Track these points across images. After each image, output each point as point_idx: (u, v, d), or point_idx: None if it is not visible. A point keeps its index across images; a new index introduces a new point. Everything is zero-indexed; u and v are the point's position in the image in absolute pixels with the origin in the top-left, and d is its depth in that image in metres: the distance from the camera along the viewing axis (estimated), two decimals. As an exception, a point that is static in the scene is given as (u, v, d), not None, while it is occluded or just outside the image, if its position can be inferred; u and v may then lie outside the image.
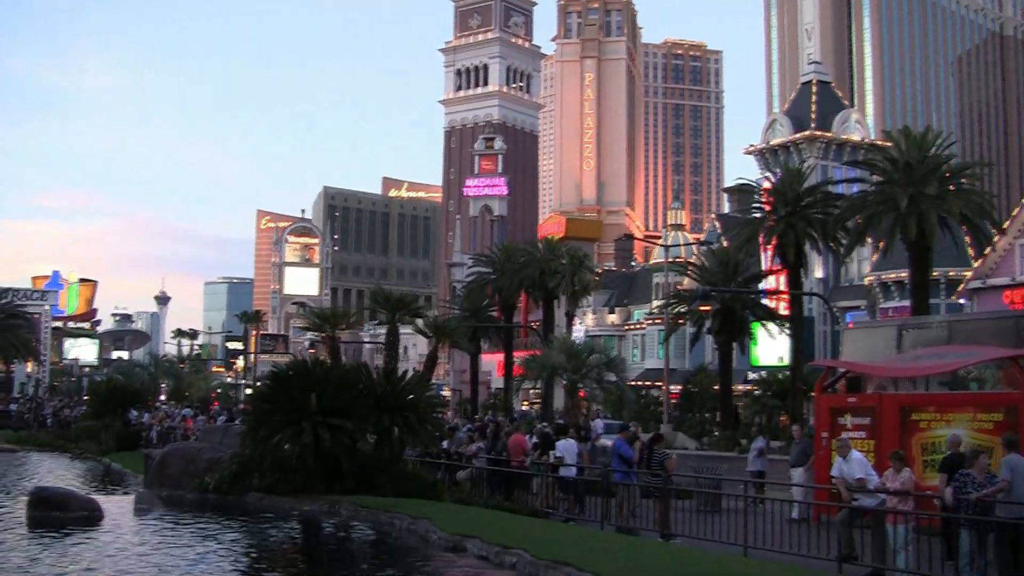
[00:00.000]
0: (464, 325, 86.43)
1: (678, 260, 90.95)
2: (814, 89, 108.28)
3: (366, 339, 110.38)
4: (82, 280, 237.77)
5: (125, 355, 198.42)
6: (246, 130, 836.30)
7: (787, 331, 62.29)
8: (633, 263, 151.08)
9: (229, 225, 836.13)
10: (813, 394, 34.61)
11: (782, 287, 68.53)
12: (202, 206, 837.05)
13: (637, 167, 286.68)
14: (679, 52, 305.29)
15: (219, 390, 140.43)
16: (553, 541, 20.16)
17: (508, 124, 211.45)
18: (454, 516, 23.89)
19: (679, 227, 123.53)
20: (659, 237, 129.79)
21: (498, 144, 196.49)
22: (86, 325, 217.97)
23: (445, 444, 35.62)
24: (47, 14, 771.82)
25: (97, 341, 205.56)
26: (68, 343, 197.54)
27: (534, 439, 33.57)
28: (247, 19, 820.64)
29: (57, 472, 45.27)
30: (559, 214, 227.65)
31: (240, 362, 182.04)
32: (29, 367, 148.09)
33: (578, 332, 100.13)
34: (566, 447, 29.86)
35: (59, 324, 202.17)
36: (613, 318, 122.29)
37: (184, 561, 20.34)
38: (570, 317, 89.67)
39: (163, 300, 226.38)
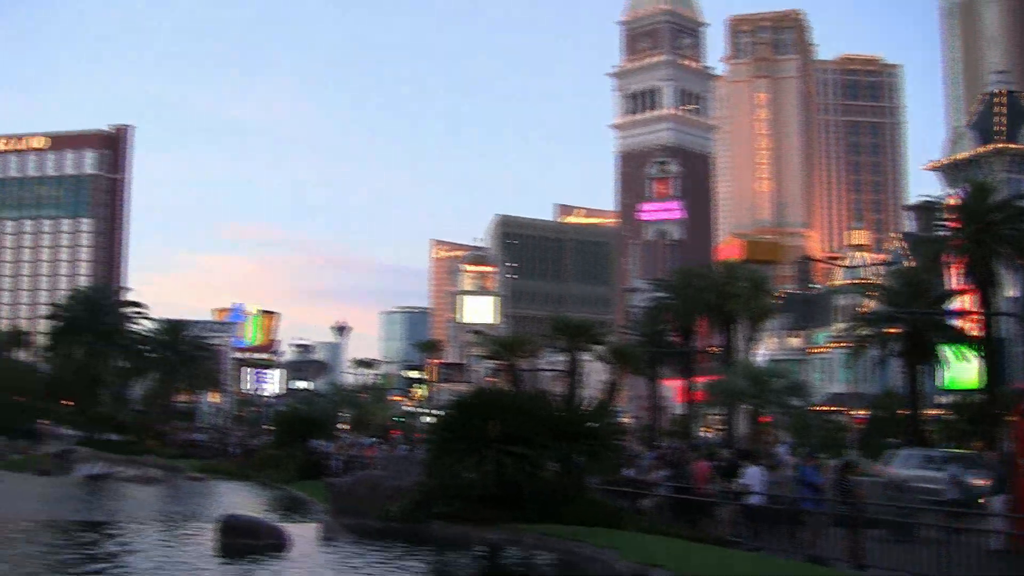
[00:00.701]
0: (643, 351, 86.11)
1: (861, 281, 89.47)
2: (1000, 100, 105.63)
3: (544, 366, 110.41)
4: (263, 312, 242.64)
5: (306, 385, 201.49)
6: (418, 160, 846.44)
7: (979, 353, 60.52)
8: (813, 285, 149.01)
9: (404, 255, 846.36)
10: (1011, 419, 33.45)
11: (971, 307, 66.67)
12: (377, 237, 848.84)
13: (814, 187, 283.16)
14: (854, 67, 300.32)
15: (400, 419, 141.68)
16: (741, 572, 19.77)
17: (681, 147, 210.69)
18: (639, 545, 23.58)
19: (860, 247, 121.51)
20: (840, 258, 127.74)
21: (672, 167, 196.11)
22: (267, 356, 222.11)
23: (630, 472, 35.26)
24: (225, 49, 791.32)
25: (279, 371, 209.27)
26: (250, 373, 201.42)
27: (719, 466, 33.11)
28: (416, 51, 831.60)
29: (243, 500, 45.94)
30: (736, 236, 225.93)
31: (419, 391, 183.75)
32: (213, 397, 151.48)
33: (759, 356, 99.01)
34: (752, 474, 29.32)
35: (241, 355, 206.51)
36: (795, 341, 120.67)
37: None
38: (750, 341, 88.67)
39: (342, 330, 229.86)
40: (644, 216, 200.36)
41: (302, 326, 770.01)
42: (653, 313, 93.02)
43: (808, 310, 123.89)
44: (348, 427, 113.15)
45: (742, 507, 28.94)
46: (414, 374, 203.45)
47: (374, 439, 74.10)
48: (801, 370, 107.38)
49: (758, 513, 28.39)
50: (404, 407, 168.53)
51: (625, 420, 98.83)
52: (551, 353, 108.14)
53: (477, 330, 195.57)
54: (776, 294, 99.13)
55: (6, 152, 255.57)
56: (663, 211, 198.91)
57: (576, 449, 29.73)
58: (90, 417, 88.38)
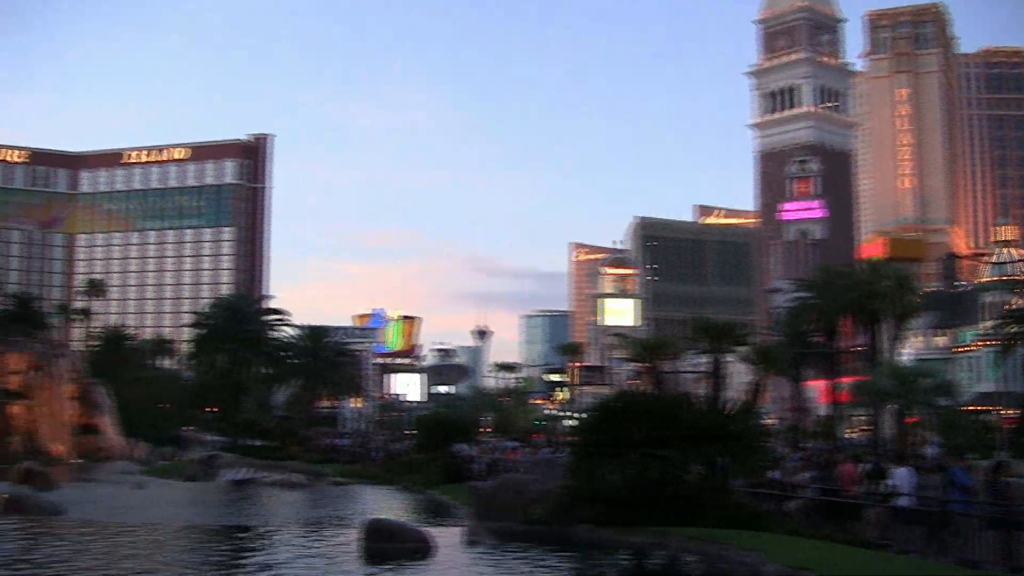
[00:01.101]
0: (787, 351, 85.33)
1: (1008, 277, 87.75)
2: None
3: (687, 368, 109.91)
4: (404, 317, 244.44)
5: (447, 389, 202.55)
6: (557, 164, 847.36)
7: None
8: (959, 282, 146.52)
9: (543, 258, 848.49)
10: None
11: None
12: (517, 241, 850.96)
13: (957, 183, 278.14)
14: (997, 60, 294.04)
15: (541, 421, 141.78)
16: (890, 575, 19.50)
17: (821, 145, 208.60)
18: (785, 548, 23.35)
19: (1007, 243, 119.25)
20: (986, 254, 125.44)
21: (812, 166, 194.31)
22: (408, 360, 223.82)
23: (775, 474, 34.90)
24: (360, 56, 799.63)
25: (420, 376, 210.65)
26: (392, 378, 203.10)
27: (866, 468, 32.66)
28: (551, 56, 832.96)
29: (386, 504, 46.30)
30: (879, 234, 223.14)
31: (561, 393, 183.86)
32: (355, 402, 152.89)
33: (905, 356, 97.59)
34: (902, 476, 28.87)
35: (382, 360, 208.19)
36: (941, 340, 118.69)
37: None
38: (896, 340, 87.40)
39: (483, 334, 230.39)
40: (785, 216, 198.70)
41: (443, 331, 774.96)
42: (796, 313, 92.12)
43: (954, 308, 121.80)
44: (490, 430, 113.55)
45: (891, 509, 28.53)
46: (555, 377, 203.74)
47: (516, 442, 74.16)
48: (948, 369, 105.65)
49: (907, 515, 27.97)
50: (546, 410, 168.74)
51: (769, 422, 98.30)
52: (693, 355, 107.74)
53: (618, 332, 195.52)
54: (921, 292, 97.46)
55: (148, 163, 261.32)
56: (804, 210, 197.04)
57: (720, 451, 29.51)
58: (234, 423, 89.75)
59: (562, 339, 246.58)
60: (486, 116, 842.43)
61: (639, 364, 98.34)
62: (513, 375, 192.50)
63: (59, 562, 24.18)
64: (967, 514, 25.82)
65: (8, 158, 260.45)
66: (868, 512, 29.35)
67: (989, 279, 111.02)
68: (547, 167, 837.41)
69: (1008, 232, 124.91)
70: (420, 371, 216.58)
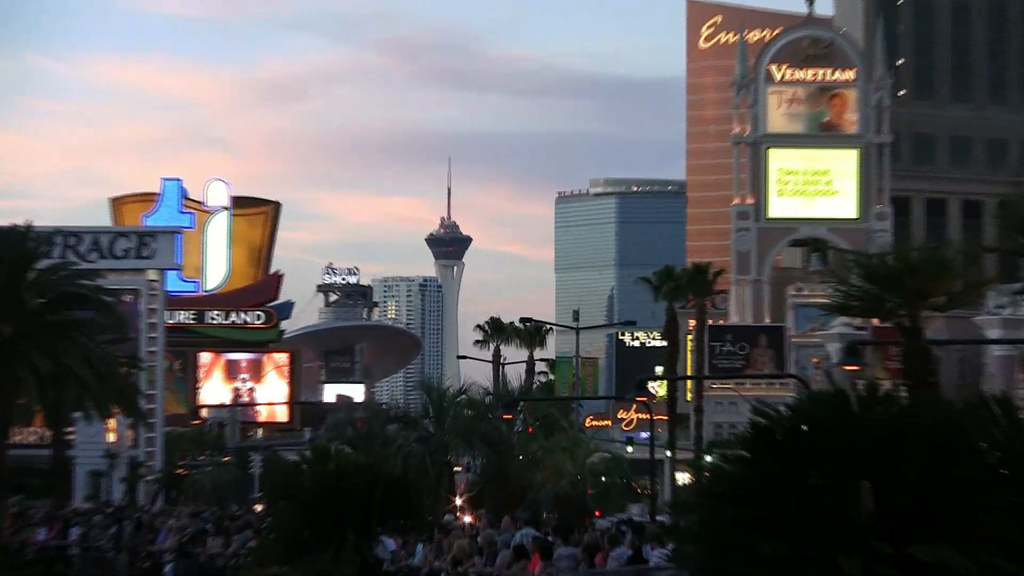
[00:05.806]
0: None
1: None
2: None
3: (992, 335, 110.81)
4: (238, 201, 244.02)
5: (355, 391, 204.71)
6: None
7: None
8: None
9: (607, 49, 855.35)
10: None
11: None
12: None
13: None
14: None
15: (603, 476, 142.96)
16: None
17: None
18: None
19: None
20: None
21: None
22: (257, 318, 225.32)
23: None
24: None
25: (284, 356, 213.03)
26: (214, 363, 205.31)
27: None
28: None
29: None
30: None
31: (658, 396, 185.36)
32: (112, 430, 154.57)
33: None
34: None
35: (189, 318, 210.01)
36: None
37: None
38: None
39: (448, 244, 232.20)
40: None
41: (344, 242, 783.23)
42: None
43: None
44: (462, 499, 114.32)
45: None
46: (638, 338, 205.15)
47: (535, 530, 74.05)
48: None
49: None
50: (614, 442, 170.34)
51: None
52: (1010, 297, 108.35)
53: (812, 238, 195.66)
54: None
55: None
56: None
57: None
58: None
59: (658, 255, 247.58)
60: None
61: (869, 321, 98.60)
62: (533, 355, 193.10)
63: None
64: None
65: None
66: None
67: None
68: None
69: None
70: (286, 342, 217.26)
